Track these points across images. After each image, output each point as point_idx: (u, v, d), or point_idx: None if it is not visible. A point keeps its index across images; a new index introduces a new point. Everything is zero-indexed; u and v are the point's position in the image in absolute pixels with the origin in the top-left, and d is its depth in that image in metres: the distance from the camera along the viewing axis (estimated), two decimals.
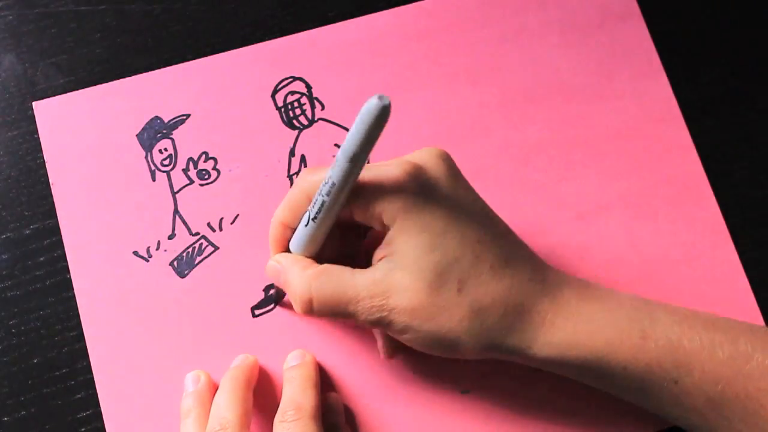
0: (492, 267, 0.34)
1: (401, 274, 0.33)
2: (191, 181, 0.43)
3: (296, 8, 0.46)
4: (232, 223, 0.43)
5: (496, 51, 0.46)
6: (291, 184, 0.43)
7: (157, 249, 0.42)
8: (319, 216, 0.34)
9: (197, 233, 0.43)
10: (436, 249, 0.33)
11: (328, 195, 0.33)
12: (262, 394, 0.40)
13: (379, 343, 0.39)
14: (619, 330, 0.34)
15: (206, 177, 0.44)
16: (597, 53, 0.46)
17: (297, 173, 0.44)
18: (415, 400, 0.41)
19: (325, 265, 0.36)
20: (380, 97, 0.30)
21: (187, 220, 0.43)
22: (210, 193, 0.43)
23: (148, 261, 0.42)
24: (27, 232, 0.43)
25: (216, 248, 0.42)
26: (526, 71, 0.46)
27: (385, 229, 0.34)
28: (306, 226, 0.35)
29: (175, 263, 0.42)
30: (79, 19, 0.46)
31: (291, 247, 0.37)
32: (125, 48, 0.46)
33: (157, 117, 0.44)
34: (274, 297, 0.42)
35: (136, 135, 0.44)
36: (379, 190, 0.33)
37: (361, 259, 0.38)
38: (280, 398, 0.38)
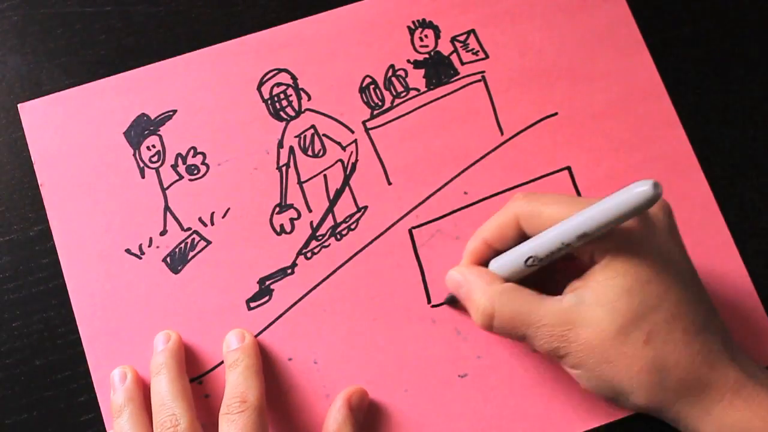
0: (685, 330, 0.33)
1: (593, 310, 0.33)
2: (180, 177, 0.43)
3: (304, 12, 0.46)
4: (223, 217, 0.43)
5: (479, 35, 0.46)
6: (280, 176, 0.43)
7: (150, 246, 0.42)
8: (544, 261, 0.35)
9: (189, 228, 0.43)
10: (636, 295, 0.33)
11: (558, 251, 0.34)
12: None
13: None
14: None
15: (195, 172, 0.44)
16: (580, 34, 0.46)
17: (286, 165, 0.44)
18: (412, 386, 0.41)
19: (511, 284, 0.36)
20: (655, 186, 0.29)
21: (178, 216, 0.43)
22: (200, 188, 0.43)
23: (140, 258, 0.42)
24: (30, 234, 0.43)
25: (208, 243, 0.43)
26: (510, 54, 0.46)
27: (589, 263, 0.34)
28: (525, 264, 0.36)
29: (168, 259, 0.42)
30: (84, 20, 0.46)
31: (493, 268, 0.38)
32: (130, 49, 0.46)
33: (143, 114, 0.44)
34: (448, 300, 0.42)
35: (124, 133, 0.44)
36: None
37: (544, 280, 0.38)
38: (258, 386, 0.38)
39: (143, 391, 0.40)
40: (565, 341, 0.34)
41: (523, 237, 0.37)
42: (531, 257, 0.35)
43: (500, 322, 0.35)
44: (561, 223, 0.34)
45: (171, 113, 0.44)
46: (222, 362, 0.41)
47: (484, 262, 0.39)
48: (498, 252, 0.38)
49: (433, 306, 0.42)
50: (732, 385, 0.33)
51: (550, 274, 0.38)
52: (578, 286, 0.35)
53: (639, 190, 0.30)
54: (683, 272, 0.35)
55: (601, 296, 0.33)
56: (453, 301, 0.42)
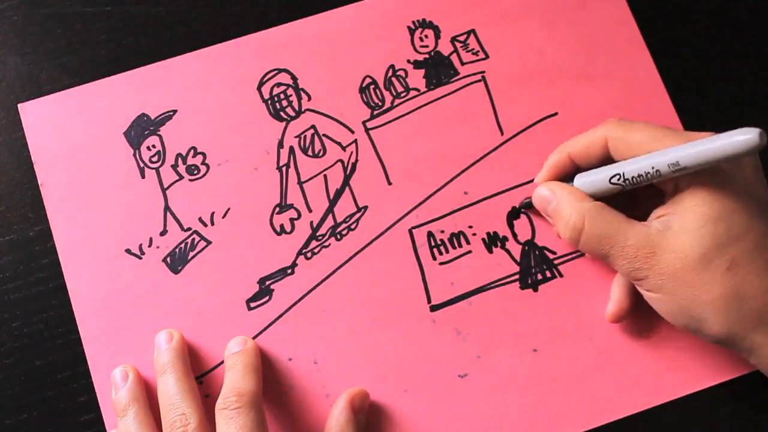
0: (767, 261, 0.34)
1: (678, 236, 0.34)
2: (181, 177, 0.43)
3: (304, 12, 0.46)
4: (223, 217, 0.43)
5: (479, 35, 0.46)
6: (281, 176, 0.44)
7: (150, 246, 0.42)
8: (628, 183, 0.36)
9: (189, 228, 0.43)
10: (721, 222, 0.34)
11: (649, 179, 0.35)
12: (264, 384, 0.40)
13: (611, 305, 0.40)
14: None
15: (195, 172, 0.44)
16: (580, 34, 0.46)
17: (286, 165, 0.44)
18: (412, 386, 0.41)
19: (602, 204, 0.37)
20: (762, 135, 0.30)
21: (178, 216, 0.43)
22: (200, 188, 0.43)
23: (141, 258, 0.42)
24: (30, 234, 0.43)
25: (209, 243, 0.43)
26: (510, 54, 0.46)
27: (674, 191, 0.35)
28: (610, 182, 0.37)
29: (169, 259, 0.42)
30: (85, 20, 0.46)
31: (578, 184, 0.39)
32: (130, 49, 0.46)
33: (143, 114, 0.44)
34: (520, 207, 0.43)
35: (124, 133, 0.44)
36: None
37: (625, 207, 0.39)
38: (256, 386, 0.38)
39: (147, 390, 0.40)
40: (647, 263, 0.35)
41: (607, 160, 0.38)
42: (618, 175, 0.36)
43: (588, 238, 0.37)
44: (657, 152, 0.34)
45: (171, 113, 0.44)
46: (223, 362, 0.41)
47: (563, 177, 0.40)
48: (579, 168, 0.40)
49: (433, 307, 0.42)
50: None
51: (630, 201, 0.39)
52: (663, 212, 0.36)
53: (744, 138, 0.30)
54: (767, 207, 0.35)
55: (687, 223, 0.34)
56: (528, 206, 0.42)
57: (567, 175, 0.41)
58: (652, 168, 0.34)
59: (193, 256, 0.42)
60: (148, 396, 0.40)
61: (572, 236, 0.38)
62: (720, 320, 0.34)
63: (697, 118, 0.45)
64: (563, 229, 0.38)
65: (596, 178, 0.38)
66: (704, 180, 0.34)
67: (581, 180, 0.39)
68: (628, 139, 0.37)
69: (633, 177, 0.36)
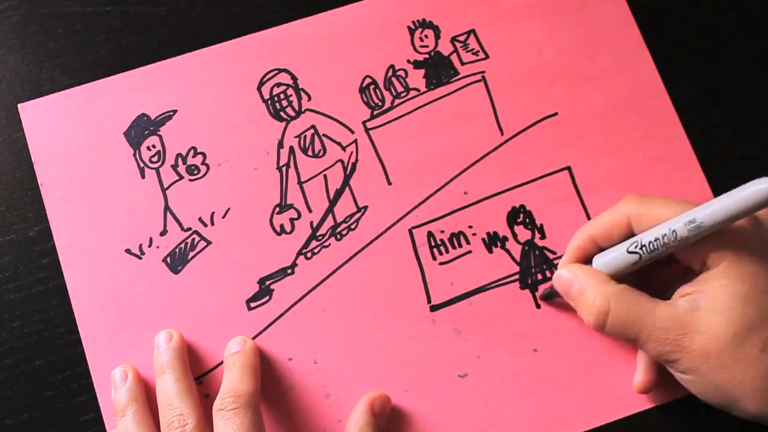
0: None
1: (708, 317, 0.33)
2: (181, 177, 0.43)
3: (304, 12, 0.46)
4: (223, 217, 0.43)
5: (479, 35, 0.46)
6: (281, 176, 0.43)
7: (150, 246, 0.42)
8: (650, 257, 0.35)
9: (189, 228, 0.43)
10: (752, 302, 0.33)
11: (668, 244, 0.34)
12: (264, 384, 0.40)
13: (638, 376, 0.40)
14: None
15: (195, 172, 0.44)
16: (580, 34, 0.46)
17: (286, 165, 0.44)
18: (412, 386, 0.41)
19: (626, 285, 0.36)
20: None
21: (178, 216, 0.43)
22: (200, 188, 0.43)
23: (141, 258, 0.42)
24: (30, 234, 0.43)
25: (208, 243, 0.43)
26: (510, 54, 0.46)
27: (702, 269, 0.35)
28: (628, 252, 0.36)
29: (169, 259, 0.42)
30: (85, 20, 0.46)
31: (598, 264, 0.38)
32: (130, 49, 0.45)
33: (143, 114, 0.44)
34: (544, 295, 0.42)
35: (124, 133, 0.44)
36: (714, 233, 0.33)
37: (649, 286, 0.38)
38: (252, 386, 0.38)
39: (146, 390, 0.40)
40: (678, 346, 0.34)
41: (630, 236, 0.37)
42: (635, 242, 0.35)
43: (614, 322, 0.36)
44: (675, 218, 0.34)
45: (171, 113, 0.44)
46: (222, 362, 0.41)
47: (587, 259, 0.39)
48: (602, 250, 0.39)
49: (433, 307, 0.42)
50: None
51: (655, 281, 0.39)
52: (690, 291, 0.35)
53: (758, 187, 0.30)
54: None
55: (716, 303, 0.33)
56: (550, 297, 0.41)
57: (590, 258, 0.39)
58: (669, 229, 0.34)
59: (193, 256, 0.42)
60: (148, 396, 0.40)
61: (598, 320, 0.36)
62: (756, 401, 0.33)
63: (697, 118, 0.45)
64: (587, 313, 0.37)
65: (615, 255, 0.37)
66: (732, 257, 0.34)
67: (600, 260, 0.38)
68: (652, 214, 0.36)
69: (650, 242, 0.35)
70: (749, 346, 0.33)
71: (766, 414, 0.34)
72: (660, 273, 0.39)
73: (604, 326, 0.36)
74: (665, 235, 0.34)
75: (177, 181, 0.43)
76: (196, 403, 0.37)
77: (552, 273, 0.42)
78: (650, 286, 0.38)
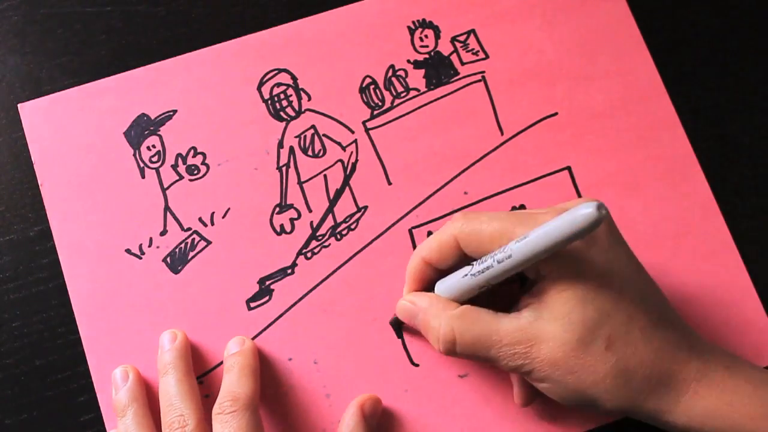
0: (642, 328, 0.33)
1: (550, 324, 0.33)
2: (181, 177, 0.43)
3: (304, 12, 0.46)
4: (223, 217, 0.43)
5: (479, 35, 0.46)
6: (281, 176, 0.44)
7: (150, 246, 0.42)
8: (484, 276, 0.34)
9: (189, 228, 0.43)
10: (589, 303, 0.33)
11: (500, 263, 0.33)
12: (264, 384, 0.40)
13: (516, 390, 0.39)
14: (764, 405, 0.33)
15: (195, 172, 0.44)
16: (580, 34, 0.46)
17: (286, 165, 0.44)
18: (412, 386, 0.41)
19: (467, 307, 0.36)
20: (599, 208, 0.29)
21: (178, 216, 0.43)
22: (200, 188, 0.43)
23: (141, 258, 0.42)
24: (30, 234, 0.43)
25: (208, 243, 0.43)
26: (510, 54, 0.46)
27: (537, 277, 0.34)
28: (464, 277, 0.35)
29: (169, 259, 0.42)
30: (85, 20, 0.46)
31: (440, 291, 0.37)
32: (130, 49, 0.45)
33: (143, 114, 0.44)
34: (393, 325, 0.41)
35: (124, 133, 0.44)
36: None
37: (496, 297, 0.38)
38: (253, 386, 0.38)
39: (146, 390, 0.40)
40: (528, 358, 0.34)
41: (463, 255, 0.36)
42: (467, 273, 0.35)
43: (463, 347, 0.35)
44: (507, 248, 0.33)
45: (171, 113, 0.44)
46: (220, 363, 0.41)
47: (429, 283, 0.38)
48: (440, 272, 0.38)
49: None
50: (695, 375, 0.34)
51: (502, 292, 0.38)
52: (531, 301, 0.35)
53: (584, 212, 0.29)
54: (631, 272, 0.35)
55: (555, 310, 0.33)
56: (397, 324, 0.41)
57: (429, 281, 0.38)
58: (511, 266, 0.33)
59: (193, 256, 0.42)
60: (149, 396, 0.40)
61: (447, 349, 0.36)
62: (611, 397, 0.33)
63: (697, 118, 0.45)
64: (435, 342, 0.36)
65: (453, 281, 0.36)
66: (564, 263, 0.33)
67: (443, 285, 0.37)
68: (480, 235, 0.35)
69: (479, 272, 0.34)
70: (594, 346, 0.33)
71: (624, 408, 0.34)
72: (505, 284, 0.38)
73: (455, 352, 0.36)
74: (506, 271, 0.33)
75: (177, 181, 0.43)
76: (198, 404, 0.37)
77: None
78: (499, 297, 0.37)
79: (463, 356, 0.36)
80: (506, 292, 0.38)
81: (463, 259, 0.37)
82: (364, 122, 0.44)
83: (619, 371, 0.33)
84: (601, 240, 0.34)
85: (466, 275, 0.35)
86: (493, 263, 0.33)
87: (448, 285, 0.37)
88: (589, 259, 0.33)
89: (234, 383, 0.38)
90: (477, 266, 0.34)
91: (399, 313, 0.39)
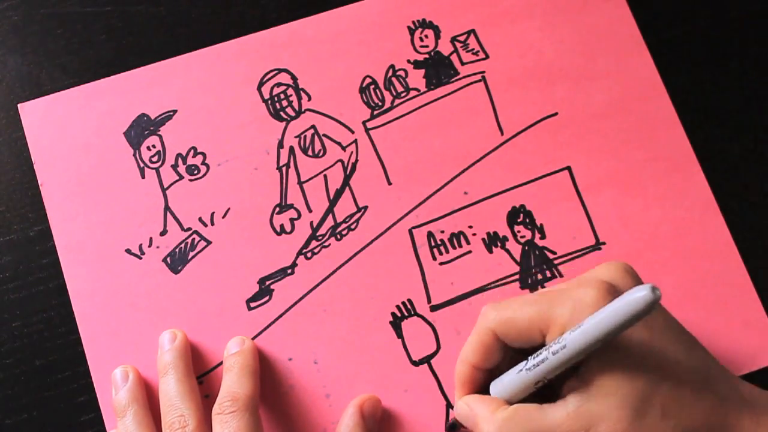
0: (693, 388, 0.33)
1: (602, 405, 0.32)
2: (181, 177, 0.43)
3: (304, 12, 0.46)
4: (223, 217, 0.43)
5: (479, 35, 0.46)
6: (281, 176, 0.44)
7: (150, 246, 0.42)
8: (540, 370, 0.33)
9: (189, 228, 0.43)
10: (636, 375, 0.32)
11: (555, 354, 0.32)
12: (264, 384, 0.40)
13: None
14: None
15: (195, 172, 0.44)
16: (580, 34, 0.46)
17: (286, 165, 0.44)
18: (411, 386, 0.41)
19: (515, 406, 0.35)
20: (653, 290, 0.28)
21: (178, 216, 0.43)
22: (200, 188, 0.43)
23: (141, 258, 0.42)
24: (30, 234, 0.43)
25: (209, 243, 0.43)
26: (510, 54, 0.46)
27: (581, 360, 0.34)
28: (519, 373, 0.34)
29: (169, 259, 0.42)
30: (85, 20, 0.46)
31: (495, 392, 0.36)
32: (131, 49, 0.45)
33: (143, 114, 0.44)
34: (450, 426, 0.40)
35: (124, 133, 0.44)
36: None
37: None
38: (251, 386, 0.38)
39: (146, 390, 0.40)
40: None
41: (506, 348, 0.36)
42: (525, 363, 0.34)
43: None
44: (561, 339, 0.32)
45: (171, 113, 0.44)
46: (220, 363, 0.41)
47: (480, 385, 0.38)
48: (489, 371, 0.37)
49: (433, 307, 0.42)
50: (749, 425, 0.33)
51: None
52: (577, 386, 0.34)
53: (639, 295, 0.28)
54: (671, 332, 0.34)
55: (603, 388, 0.33)
56: (455, 427, 0.40)
57: (480, 383, 0.37)
58: (569, 359, 0.32)
59: (193, 256, 0.42)
60: (149, 396, 0.40)
61: None
62: None
63: (696, 117, 0.45)
64: None
65: (508, 379, 0.35)
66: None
67: (497, 387, 0.36)
68: (516, 325, 0.34)
69: (534, 366, 0.33)
70: (650, 418, 0.32)
71: None
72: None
73: None
74: (546, 359, 0.33)
75: (177, 181, 0.43)
76: (198, 404, 0.37)
77: (552, 273, 0.42)
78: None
79: None
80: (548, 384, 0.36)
81: (506, 354, 0.36)
82: (364, 122, 0.44)
83: None
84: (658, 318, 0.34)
85: (521, 371, 0.34)
86: (548, 356, 0.32)
87: (504, 383, 0.36)
88: (633, 331, 0.33)
89: (234, 383, 0.38)
90: (532, 360, 0.33)
91: (457, 414, 0.38)
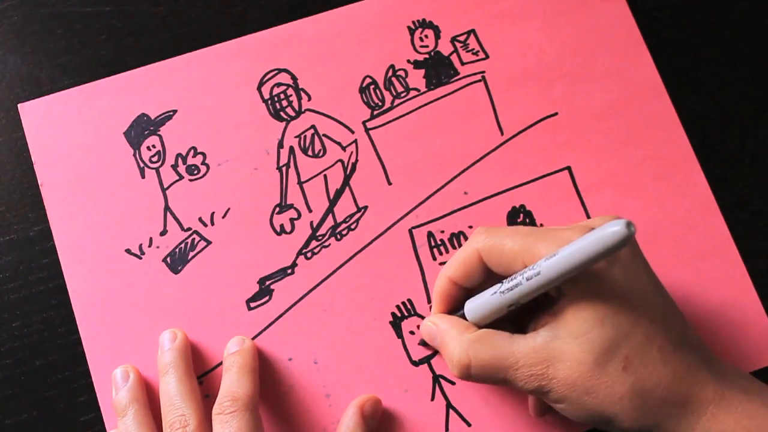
0: (661, 349, 0.33)
1: (567, 344, 0.33)
2: (181, 177, 0.43)
3: (304, 12, 0.46)
4: (223, 217, 0.43)
5: (479, 35, 0.46)
6: (281, 176, 0.44)
7: (150, 246, 0.42)
8: (513, 294, 0.34)
9: (189, 228, 0.43)
10: (607, 323, 0.33)
11: (528, 280, 0.32)
12: (264, 384, 0.40)
13: (531, 403, 0.39)
14: None
15: (195, 172, 0.44)
16: (580, 34, 0.46)
17: (286, 165, 0.44)
18: (412, 386, 0.41)
19: (483, 330, 0.35)
20: (628, 225, 0.29)
21: (178, 216, 0.43)
22: (200, 188, 0.43)
23: (141, 258, 0.42)
24: (30, 234, 0.43)
25: (208, 243, 0.43)
26: (510, 54, 0.46)
27: (558, 295, 0.34)
28: (493, 295, 0.35)
29: (169, 259, 0.42)
30: (85, 20, 0.46)
31: (467, 313, 0.37)
32: (131, 49, 0.45)
33: (143, 114, 0.44)
34: (421, 343, 0.41)
35: (124, 133, 0.44)
36: None
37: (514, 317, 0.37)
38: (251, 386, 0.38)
39: (147, 390, 0.40)
40: (545, 379, 0.33)
41: (488, 271, 0.36)
42: (495, 291, 0.35)
43: (477, 371, 0.35)
44: (536, 265, 0.33)
45: (171, 113, 0.44)
46: (221, 363, 0.41)
47: (457, 302, 0.38)
48: (467, 290, 0.38)
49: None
50: (713, 398, 0.33)
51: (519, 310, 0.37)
52: (549, 320, 0.34)
53: (613, 230, 0.29)
54: (651, 291, 0.34)
55: (573, 329, 0.33)
56: (425, 344, 0.41)
57: (456, 299, 0.38)
58: (539, 285, 0.32)
59: (193, 256, 0.42)
60: (149, 396, 0.40)
61: (461, 372, 0.35)
62: (628, 418, 0.33)
63: (696, 117, 0.45)
64: (450, 365, 0.36)
65: (482, 300, 0.36)
66: (585, 282, 0.33)
67: (471, 305, 0.37)
68: (502, 249, 0.35)
69: (507, 290, 0.34)
70: (611, 367, 0.33)
71: (641, 429, 0.33)
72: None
73: (470, 377, 0.35)
74: (520, 283, 0.33)
75: (177, 181, 0.43)
76: (198, 404, 0.38)
77: None
78: (520, 322, 0.37)
79: (478, 380, 0.35)
80: (524, 311, 0.37)
81: (488, 278, 0.37)
82: (364, 122, 0.44)
83: (635, 392, 0.33)
84: (623, 259, 0.34)
85: (495, 293, 0.35)
86: (522, 281, 0.33)
87: (477, 304, 0.36)
88: (609, 278, 0.33)
89: (233, 383, 0.38)
90: (506, 284, 0.34)
91: (422, 332, 0.39)
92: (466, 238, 0.43)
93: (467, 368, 0.35)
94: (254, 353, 0.40)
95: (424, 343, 0.41)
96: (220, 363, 0.41)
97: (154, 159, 0.44)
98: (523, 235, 0.35)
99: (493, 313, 0.35)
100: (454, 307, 0.38)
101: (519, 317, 0.37)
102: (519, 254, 0.34)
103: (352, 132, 0.44)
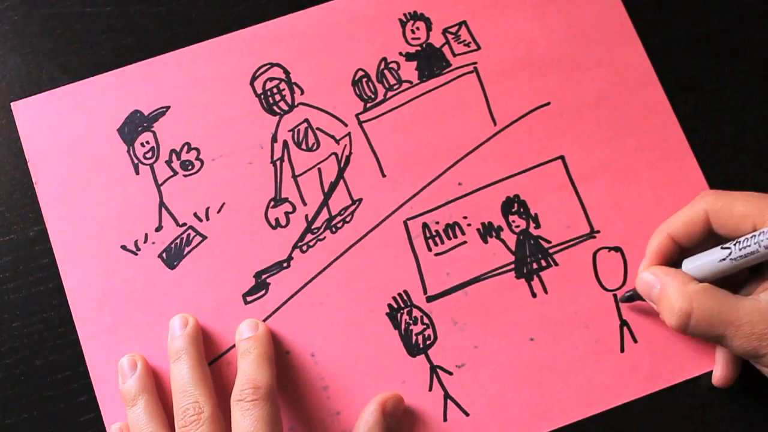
0: None
1: None
2: (175, 173, 0.44)
3: (298, 7, 0.46)
4: (218, 212, 0.43)
5: (471, 26, 0.46)
6: (275, 170, 0.44)
7: (145, 242, 0.42)
8: (745, 261, 0.34)
9: (184, 224, 0.43)
10: None
11: (766, 248, 0.33)
12: None
13: (718, 371, 0.39)
14: None
15: (190, 167, 0.44)
16: (571, 23, 0.46)
17: (280, 159, 0.44)
18: (409, 377, 0.41)
19: (709, 285, 0.36)
20: None
21: (173, 212, 0.43)
22: (195, 184, 0.43)
23: (136, 254, 0.42)
24: (30, 234, 0.43)
25: (204, 238, 0.43)
26: (502, 45, 0.46)
27: None
28: (721, 261, 0.35)
29: (164, 255, 0.42)
30: (85, 20, 0.46)
31: (687, 270, 0.37)
32: (130, 49, 0.45)
33: (137, 110, 0.44)
34: (625, 297, 0.41)
35: (117, 129, 0.44)
36: None
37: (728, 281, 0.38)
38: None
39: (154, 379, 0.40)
40: (765, 340, 0.34)
41: (710, 234, 0.37)
42: (725, 257, 0.35)
43: (697, 322, 0.35)
44: (765, 229, 0.33)
45: (164, 109, 0.44)
46: (220, 356, 0.41)
47: (671, 260, 0.39)
48: (682, 249, 0.38)
49: (429, 297, 0.42)
50: None
51: (733, 277, 0.38)
52: None
53: None
54: None
55: None
56: (631, 299, 0.41)
57: (671, 257, 0.39)
58: (763, 247, 0.33)
59: (189, 252, 0.42)
60: (156, 384, 0.40)
61: (680, 322, 0.36)
62: None
63: (688, 105, 0.45)
64: (669, 314, 0.37)
65: (706, 262, 0.37)
66: None
67: (690, 265, 0.38)
68: (732, 211, 0.36)
69: (740, 257, 0.34)
70: None
71: None
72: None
73: (687, 327, 0.36)
74: (755, 252, 0.33)
75: (171, 176, 0.43)
76: (211, 391, 0.37)
77: (547, 262, 0.43)
78: (729, 282, 0.37)
79: (694, 333, 0.36)
80: (738, 277, 0.38)
81: (707, 238, 0.37)
82: (357, 115, 0.45)
83: None
84: None
85: (724, 259, 0.35)
86: (758, 248, 0.33)
87: (699, 265, 0.37)
88: None
89: (253, 371, 0.37)
90: (737, 251, 0.34)
91: (639, 284, 0.39)
92: (461, 229, 0.43)
93: (688, 317, 0.35)
94: (270, 340, 0.40)
95: (628, 299, 0.41)
96: (219, 356, 0.41)
97: (148, 155, 0.44)
98: (756, 198, 0.35)
99: (714, 275, 0.36)
100: (667, 264, 0.39)
101: (737, 284, 0.37)
102: (749, 217, 0.35)
103: (346, 125, 0.44)
